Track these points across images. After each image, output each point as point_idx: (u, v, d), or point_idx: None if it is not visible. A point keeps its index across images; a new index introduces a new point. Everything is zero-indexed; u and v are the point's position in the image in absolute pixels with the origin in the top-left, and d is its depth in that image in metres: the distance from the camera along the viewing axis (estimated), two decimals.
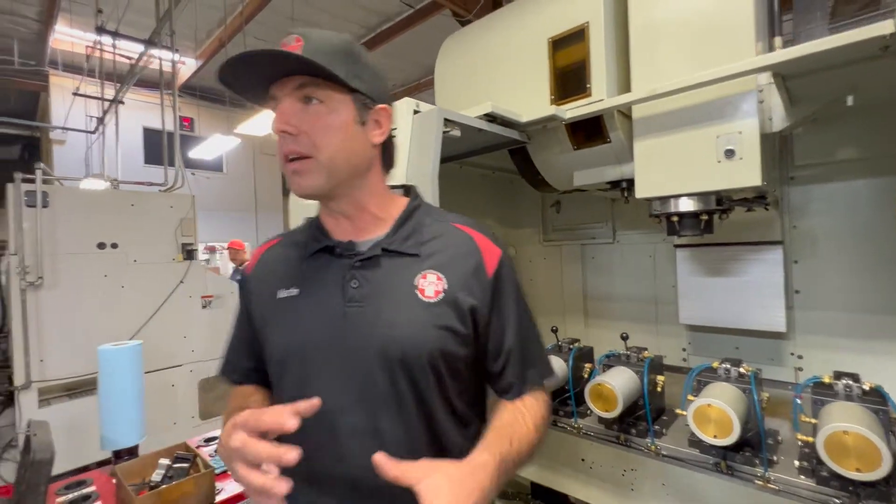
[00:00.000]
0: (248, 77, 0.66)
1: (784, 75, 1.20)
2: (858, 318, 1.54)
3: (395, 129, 0.83)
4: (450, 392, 0.69)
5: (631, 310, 2.15)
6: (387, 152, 0.76)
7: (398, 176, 1.19)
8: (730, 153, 1.22)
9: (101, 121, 5.55)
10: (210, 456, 1.28)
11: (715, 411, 1.05)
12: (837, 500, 0.97)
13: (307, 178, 0.66)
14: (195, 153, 6.49)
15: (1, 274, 2.86)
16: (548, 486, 1.52)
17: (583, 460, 1.42)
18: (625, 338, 1.46)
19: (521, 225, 2.47)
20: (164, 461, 1.19)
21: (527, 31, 1.65)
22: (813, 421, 1.04)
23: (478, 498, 0.52)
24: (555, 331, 1.61)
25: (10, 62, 5.71)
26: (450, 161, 1.88)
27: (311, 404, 0.58)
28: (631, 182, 1.58)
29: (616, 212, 2.19)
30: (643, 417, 1.30)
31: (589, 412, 1.34)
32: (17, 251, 2.38)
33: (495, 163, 2.16)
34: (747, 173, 1.19)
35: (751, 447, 1.12)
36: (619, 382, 1.24)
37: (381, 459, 0.54)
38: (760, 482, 1.07)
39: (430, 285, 0.68)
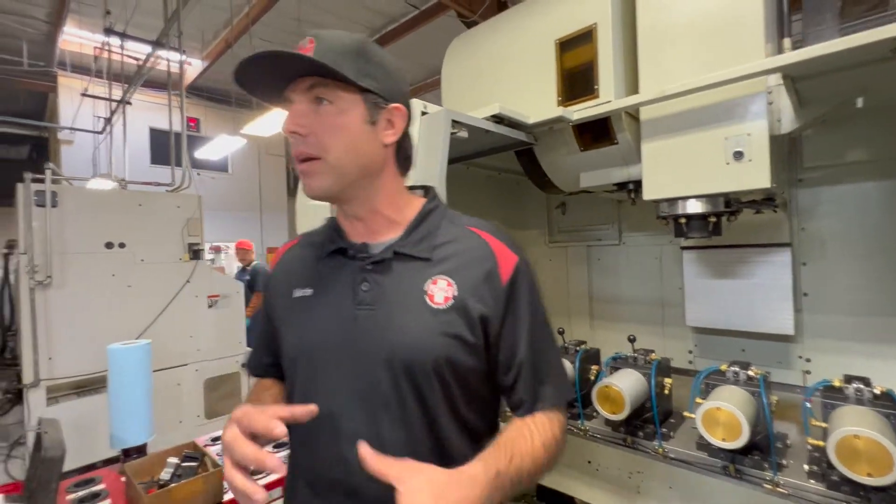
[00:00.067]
0: (262, 79, 0.66)
1: (794, 77, 1.20)
2: (867, 322, 1.53)
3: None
4: (457, 401, 0.67)
5: (637, 312, 2.14)
6: (401, 153, 0.73)
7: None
8: (738, 155, 1.21)
9: (108, 121, 5.60)
10: (218, 455, 1.28)
11: (724, 414, 1.05)
12: None
13: (315, 179, 0.66)
14: (201, 153, 6.52)
15: (10, 273, 2.89)
16: (554, 487, 1.52)
17: (589, 462, 1.42)
18: (632, 340, 1.46)
19: (526, 226, 2.46)
20: (173, 460, 1.20)
21: (534, 32, 1.65)
22: (823, 425, 1.03)
23: None
24: (561, 332, 1.61)
25: (20, 63, 5.77)
26: (456, 162, 1.89)
27: (307, 410, 0.59)
28: (638, 184, 1.58)
29: (622, 213, 2.18)
30: (650, 420, 1.30)
31: (595, 414, 1.34)
32: (26, 250, 2.40)
33: (501, 164, 2.17)
34: (756, 175, 1.18)
35: (759, 451, 1.12)
36: (627, 385, 1.23)
37: (365, 451, 0.53)
38: (769, 486, 1.06)
39: (440, 291, 0.66)
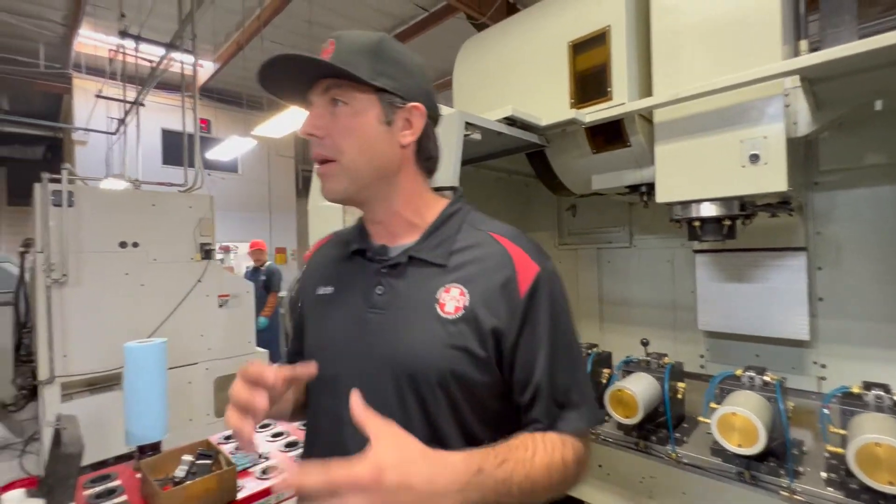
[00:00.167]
0: (284, 82, 0.67)
1: (811, 79, 1.19)
2: (884, 328, 1.51)
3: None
4: (466, 418, 0.63)
5: (648, 315, 2.13)
6: (423, 153, 0.70)
7: None
8: (754, 158, 1.20)
9: (122, 122, 5.68)
10: (231, 453, 1.30)
11: (739, 420, 1.03)
12: None
13: (331, 181, 0.66)
14: (212, 154, 6.59)
15: (26, 271, 2.94)
16: None
17: (600, 466, 1.41)
18: (645, 343, 1.45)
19: (536, 228, 2.46)
20: (188, 457, 1.22)
21: (546, 34, 1.65)
22: (842, 432, 1.02)
23: (420, 486, 0.46)
24: None
25: (36, 65, 5.88)
26: (467, 164, 1.89)
27: (308, 371, 0.62)
28: (651, 186, 1.57)
29: (634, 216, 2.17)
30: (663, 424, 1.29)
31: (607, 418, 1.33)
32: (43, 249, 2.44)
33: (511, 166, 2.17)
34: (773, 178, 1.17)
35: (775, 457, 1.10)
36: (640, 389, 1.22)
37: (356, 401, 0.51)
38: (786, 493, 1.05)
39: (452, 300, 0.63)
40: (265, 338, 4.67)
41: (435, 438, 0.62)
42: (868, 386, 1.09)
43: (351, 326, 0.67)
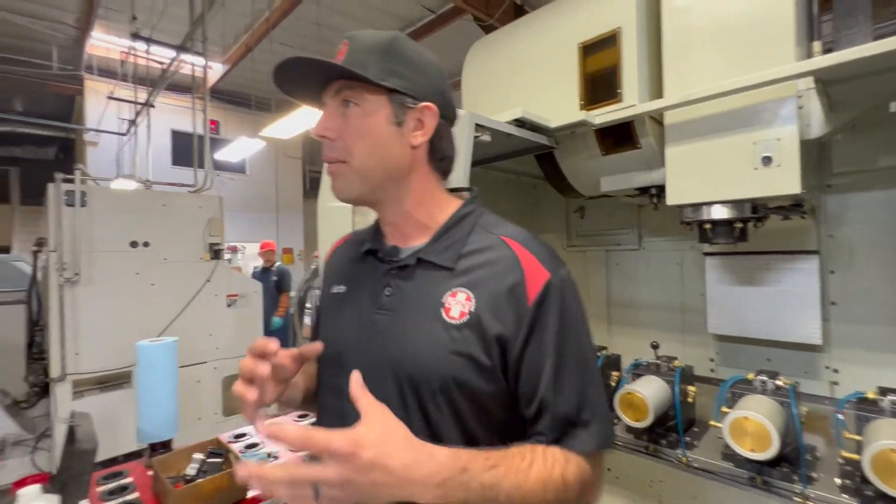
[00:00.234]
0: (299, 84, 0.67)
1: (825, 81, 1.18)
2: None
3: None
4: (470, 426, 0.61)
5: (656, 318, 2.11)
6: (436, 153, 0.68)
7: None
8: (767, 160, 1.19)
9: (133, 123, 5.75)
10: (241, 452, 1.31)
11: (752, 424, 1.03)
12: None
13: (341, 182, 0.66)
14: (220, 155, 6.65)
15: (38, 270, 2.98)
16: None
17: (609, 470, 1.41)
18: (655, 346, 1.44)
19: (544, 230, 2.45)
20: (198, 455, 1.23)
21: (556, 36, 1.65)
22: (857, 438, 1.01)
23: (396, 470, 0.45)
24: None
25: (49, 67, 5.97)
26: (476, 165, 1.89)
27: (314, 349, 0.65)
28: (661, 188, 1.56)
29: (642, 218, 2.16)
30: (673, 428, 1.28)
31: (616, 421, 1.33)
32: (56, 248, 2.47)
33: (519, 167, 2.16)
34: (786, 181, 1.16)
35: (788, 463, 1.09)
36: (650, 392, 1.22)
37: (356, 378, 0.52)
38: (799, 499, 1.03)
39: (457, 305, 0.61)
40: (278, 337, 4.70)
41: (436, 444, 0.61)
42: (884, 391, 1.08)
43: (359, 327, 0.67)
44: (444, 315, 0.61)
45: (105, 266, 2.61)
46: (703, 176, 1.31)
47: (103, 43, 5.83)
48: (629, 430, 1.35)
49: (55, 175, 2.54)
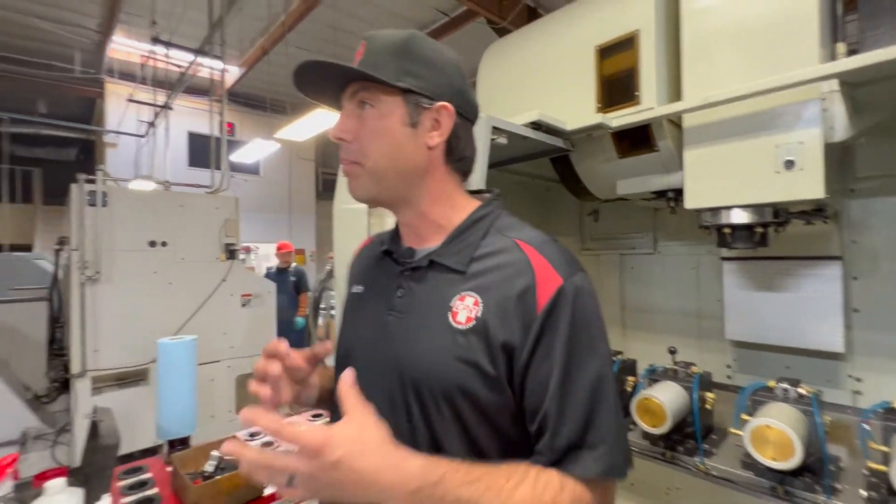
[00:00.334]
0: (318, 87, 0.67)
1: (851, 83, 1.15)
2: None
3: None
4: (479, 440, 0.59)
5: (672, 323, 2.09)
6: (453, 154, 0.67)
7: None
8: (789, 164, 1.18)
9: (151, 125, 5.87)
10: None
11: (774, 433, 1.01)
12: None
13: (356, 184, 0.66)
14: (236, 157, 6.75)
15: (60, 268, 3.05)
16: None
17: None
18: (672, 352, 1.42)
19: (558, 233, 2.44)
20: (216, 453, 1.24)
21: (572, 39, 1.64)
22: (885, 449, 0.98)
23: (364, 473, 0.45)
24: None
25: (71, 70, 6.13)
26: (490, 168, 1.89)
27: (325, 348, 0.67)
28: (678, 192, 1.55)
29: (658, 222, 2.13)
30: (691, 435, 1.26)
31: (633, 426, 1.31)
32: (78, 247, 2.53)
33: (533, 170, 2.16)
34: (809, 185, 1.14)
35: (811, 473, 1.07)
36: (668, 398, 1.20)
37: (348, 377, 0.52)
38: None
39: (464, 309, 0.59)
40: (298, 337, 4.76)
41: (440, 453, 0.57)
42: None
43: (371, 327, 0.67)
44: (450, 319, 0.60)
45: (124, 265, 2.67)
46: (722, 179, 1.29)
47: (124, 47, 5.97)
48: (645, 435, 1.34)
49: (78, 176, 2.61)
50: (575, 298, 0.58)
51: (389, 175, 0.64)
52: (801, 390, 1.14)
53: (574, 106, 1.60)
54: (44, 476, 2.35)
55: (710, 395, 1.31)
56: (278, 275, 4.90)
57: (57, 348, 2.88)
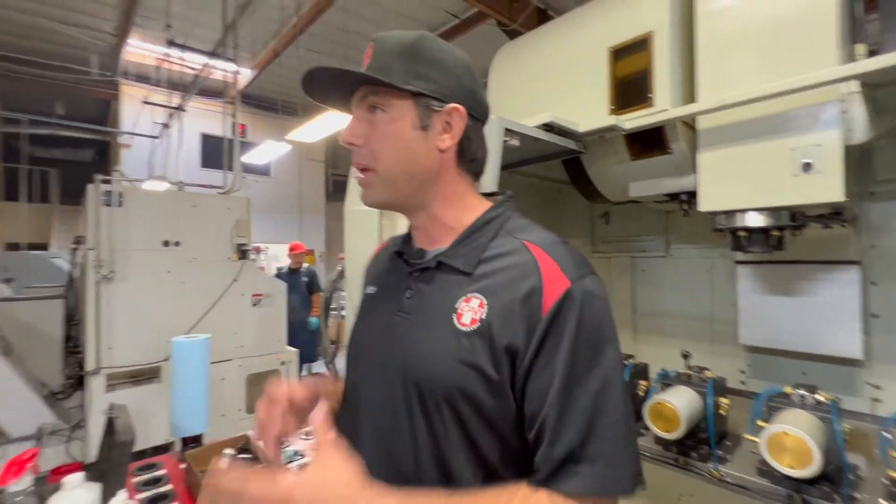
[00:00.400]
0: (327, 92, 0.66)
1: (871, 84, 1.13)
2: None
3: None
4: (479, 444, 0.57)
5: (684, 327, 2.06)
6: (465, 155, 0.66)
7: None
8: (807, 166, 1.16)
9: (165, 126, 5.97)
10: None
11: (792, 440, 0.99)
12: None
13: (368, 189, 0.66)
14: (247, 158, 6.83)
15: (75, 266, 3.11)
16: None
17: None
18: (686, 356, 1.41)
19: (568, 235, 2.43)
20: (229, 451, 1.25)
21: (585, 40, 1.64)
22: None
23: None
24: None
25: (88, 73, 6.26)
26: (501, 170, 1.89)
27: (326, 387, 0.71)
28: (691, 194, 1.53)
29: (670, 224, 2.11)
30: (704, 441, 1.24)
31: (644, 431, 1.30)
32: (94, 246, 2.58)
33: (544, 172, 2.15)
34: (827, 188, 1.12)
35: (829, 481, 1.04)
36: (682, 403, 1.19)
37: (319, 413, 0.54)
38: None
39: (469, 311, 0.58)
40: (311, 338, 4.78)
41: (439, 457, 0.57)
42: None
43: (381, 328, 0.67)
44: (455, 321, 0.59)
45: (139, 264, 2.71)
46: (737, 182, 1.27)
47: (139, 50, 6.08)
48: (658, 440, 1.32)
49: (94, 176, 2.65)
50: (583, 302, 0.55)
51: (401, 179, 0.63)
52: (818, 397, 1.12)
53: (586, 108, 1.59)
54: (59, 471, 2.40)
55: (724, 401, 1.29)
56: (290, 275, 4.92)
57: (72, 345, 2.93)
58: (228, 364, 3.02)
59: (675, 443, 1.27)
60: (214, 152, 6.80)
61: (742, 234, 1.34)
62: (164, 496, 1.14)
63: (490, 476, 0.57)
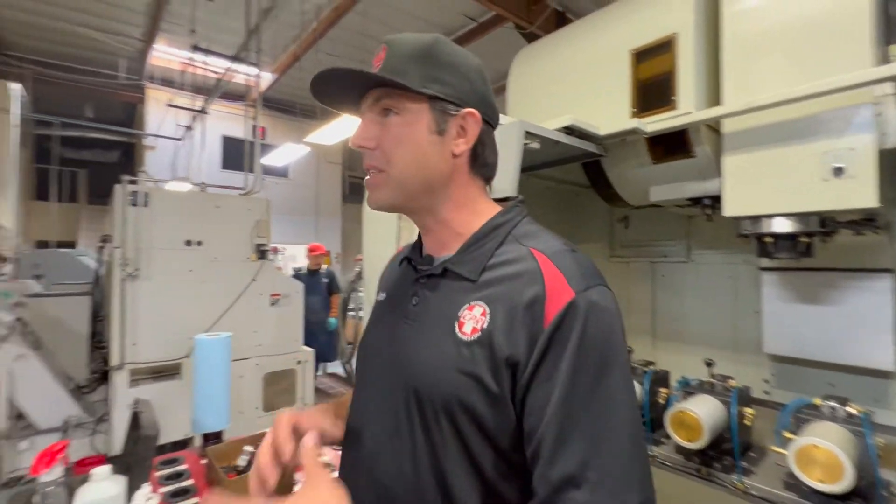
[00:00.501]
0: (337, 94, 0.66)
1: None
2: None
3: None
4: (478, 459, 0.55)
5: (705, 334, 2.02)
6: (478, 160, 0.65)
7: None
8: (838, 171, 1.12)
9: (188, 129, 6.12)
10: None
11: (822, 453, 0.96)
12: None
13: (377, 192, 0.64)
14: (266, 160, 6.95)
15: (101, 264, 3.21)
16: None
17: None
18: (710, 364, 1.38)
19: (586, 240, 2.41)
20: (249, 448, 1.28)
21: (606, 43, 1.62)
22: None
23: None
24: (630, 351, 1.55)
25: (115, 77, 6.47)
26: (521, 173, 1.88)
27: (332, 432, 0.67)
28: (715, 199, 1.50)
29: (692, 229, 2.07)
30: (727, 451, 1.21)
31: (665, 440, 1.27)
32: (120, 245, 2.65)
33: (561, 175, 2.13)
34: (860, 193, 1.09)
35: (861, 498, 1.01)
36: (705, 412, 1.16)
37: (310, 439, 0.54)
38: None
39: (471, 320, 0.57)
40: (329, 339, 4.83)
41: (437, 468, 0.56)
42: None
43: (387, 335, 0.67)
44: (456, 330, 0.57)
45: (162, 263, 2.77)
46: (765, 187, 1.24)
47: (164, 54, 6.26)
48: (679, 450, 1.29)
49: (121, 177, 2.73)
50: (588, 314, 0.52)
51: (414, 183, 0.62)
52: (850, 409, 1.08)
53: (607, 111, 1.58)
54: (83, 463, 2.47)
55: (749, 411, 1.26)
56: (310, 277, 4.93)
57: (97, 341, 3.02)
58: (247, 362, 3.07)
59: (696, 453, 1.24)
60: (235, 154, 6.95)
61: (768, 239, 1.31)
62: (185, 490, 1.16)
63: (489, 491, 0.55)
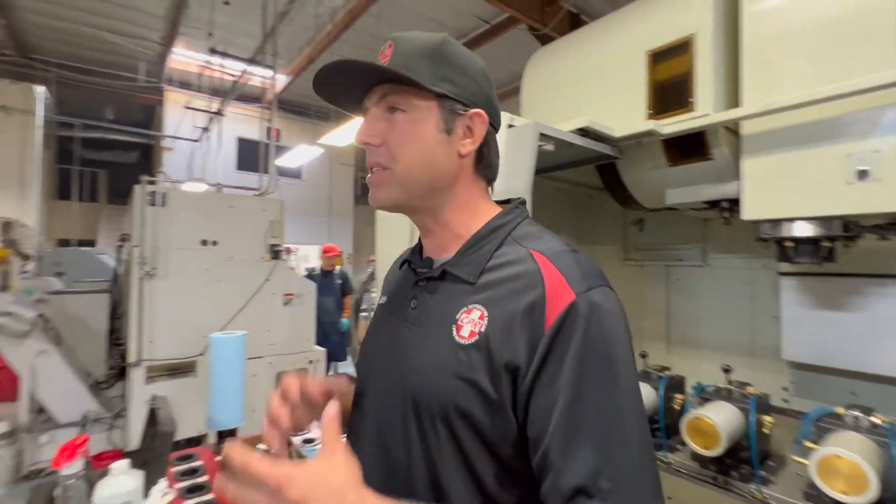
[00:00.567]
0: (341, 90, 0.64)
1: None
2: None
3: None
4: (475, 466, 0.53)
5: (721, 339, 1.98)
6: (482, 161, 0.65)
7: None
8: (863, 174, 1.10)
9: (205, 130, 6.23)
10: (300, 446, 1.36)
11: (846, 464, 0.93)
12: None
13: (381, 190, 0.63)
14: (280, 161, 7.04)
15: (120, 262, 3.28)
16: None
17: (669, 498, 1.32)
18: (727, 370, 1.35)
19: (600, 242, 2.38)
20: (263, 446, 1.29)
21: (622, 44, 1.61)
22: None
23: None
24: (644, 356, 1.53)
25: (135, 80, 6.63)
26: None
27: (339, 385, 0.67)
28: (733, 202, 1.48)
29: (708, 233, 2.04)
30: (745, 460, 1.19)
31: (681, 447, 1.25)
32: (138, 244, 2.71)
33: (574, 177, 2.12)
34: (886, 197, 1.06)
35: None
36: (722, 419, 1.14)
37: (331, 409, 0.51)
38: None
39: (469, 323, 0.55)
40: (342, 339, 4.87)
41: (434, 478, 0.54)
42: None
43: (387, 338, 0.66)
44: (454, 333, 0.56)
45: (179, 262, 2.83)
46: (785, 190, 1.22)
47: (183, 57, 6.39)
48: (695, 457, 1.27)
49: (141, 178, 2.80)
50: (589, 316, 0.51)
51: (420, 182, 0.61)
52: (874, 419, 1.05)
53: (623, 112, 1.57)
54: (101, 457, 2.52)
55: (768, 419, 1.23)
56: (323, 278, 4.93)
57: (115, 338, 3.09)
58: (260, 361, 3.11)
59: (713, 460, 1.22)
60: (250, 155, 7.04)
61: (789, 244, 1.28)
62: (200, 486, 1.18)
63: (487, 500, 0.53)
